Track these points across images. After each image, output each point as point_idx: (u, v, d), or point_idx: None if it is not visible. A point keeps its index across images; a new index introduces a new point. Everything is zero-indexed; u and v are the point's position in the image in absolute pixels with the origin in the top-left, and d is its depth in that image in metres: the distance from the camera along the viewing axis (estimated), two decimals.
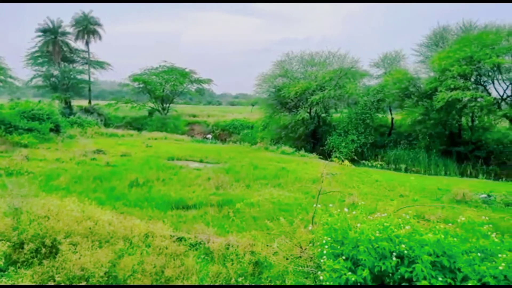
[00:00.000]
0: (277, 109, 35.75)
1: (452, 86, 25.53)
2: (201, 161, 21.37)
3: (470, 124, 29.48)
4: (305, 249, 6.70)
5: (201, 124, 48.95)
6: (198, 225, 9.25)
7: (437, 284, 4.81)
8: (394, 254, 5.22)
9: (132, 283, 6.63)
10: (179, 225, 9.67)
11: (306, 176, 17.16)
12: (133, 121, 47.63)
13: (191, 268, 7.05)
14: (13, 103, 33.48)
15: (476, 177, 23.64)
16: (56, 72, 49.18)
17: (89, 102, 50.99)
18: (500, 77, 26.93)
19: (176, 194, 12.93)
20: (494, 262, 4.96)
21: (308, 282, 6.06)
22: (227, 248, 7.82)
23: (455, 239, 5.36)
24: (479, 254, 5.15)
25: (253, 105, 51.59)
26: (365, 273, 5.03)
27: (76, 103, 50.92)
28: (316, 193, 8.16)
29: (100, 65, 52.31)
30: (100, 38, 49.62)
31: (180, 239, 8.39)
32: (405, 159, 28.04)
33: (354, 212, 6.17)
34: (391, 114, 34.62)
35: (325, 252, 5.53)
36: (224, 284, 6.78)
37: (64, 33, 49.07)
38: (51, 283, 6.38)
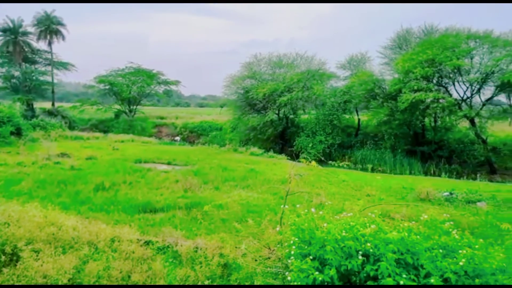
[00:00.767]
0: (245, 110, 35.79)
1: (415, 87, 26.25)
2: (169, 164, 21.13)
3: (433, 124, 30.41)
4: (274, 250, 6.72)
5: (169, 126, 48.43)
6: (166, 228, 9.13)
7: (401, 280, 4.91)
8: (360, 252, 5.29)
9: None
10: (147, 228, 9.51)
11: (274, 177, 17.24)
12: (99, 123, 46.61)
13: (158, 272, 6.95)
14: None
15: (439, 175, 24.40)
16: (17, 73, 47.43)
17: (53, 104, 49.47)
18: (460, 78, 27.88)
19: (144, 197, 12.73)
20: (455, 258, 5.11)
21: (277, 282, 6.07)
22: (196, 251, 7.75)
23: (418, 236, 5.49)
24: (440, 250, 5.28)
25: (221, 107, 51.40)
26: (332, 272, 5.08)
27: (39, 105, 49.30)
28: (284, 194, 8.20)
29: (64, 66, 50.90)
30: (63, 38, 48.28)
31: (147, 243, 8.25)
32: (371, 159, 28.64)
33: (321, 212, 6.22)
34: (358, 115, 35.27)
35: (292, 252, 5.55)
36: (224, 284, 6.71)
37: (25, 33, 47.41)
38: None
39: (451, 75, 28.05)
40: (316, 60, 35.81)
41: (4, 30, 46.12)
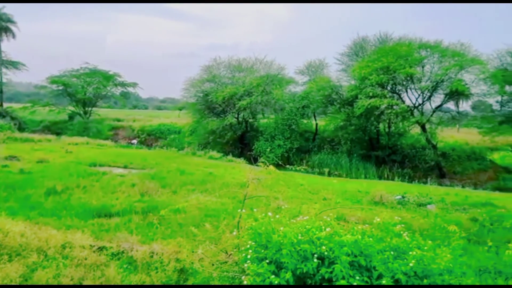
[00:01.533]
0: (205, 114, 35.59)
1: (371, 94, 27.06)
2: (125, 167, 20.65)
3: (387, 130, 31.44)
4: (231, 254, 6.71)
5: (126, 129, 47.35)
6: (121, 234, 8.92)
7: (354, 282, 5.03)
8: (316, 255, 5.38)
9: None
10: (101, 234, 9.24)
11: (233, 181, 17.23)
12: (51, 125, 44.90)
13: (112, 279, 6.77)
14: None
15: (393, 179, 25.24)
16: None
17: (1, 105, 47.20)
18: (412, 86, 29.02)
19: (98, 202, 12.36)
20: (405, 260, 5.29)
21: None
22: (151, 256, 7.61)
23: (371, 239, 5.65)
24: (392, 252, 5.45)
25: (180, 110, 50.84)
26: (288, 275, 5.13)
27: None
28: (242, 198, 8.21)
29: (14, 65, 48.68)
30: (13, 36, 46.27)
31: (101, 248, 8.02)
32: (328, 163, 29.20)
33: (278, 216, 6.29)
34: (316, 120, 35.87)
35: (249, 256, 5.57)
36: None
37: None
38: None
39: (404, 83, 29.12)
40: (275, 65, 36.22)
41: None
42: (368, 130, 30.30)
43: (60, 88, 44.50)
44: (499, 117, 28.58)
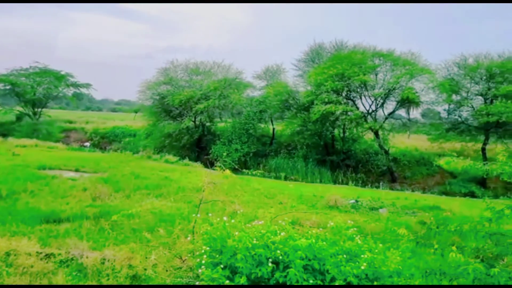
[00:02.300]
0: (161, 117, 35.03)
1: (326, 100, 27.60)
2: (77, 170, 19.94)
3: (341, 135, 32.18)
4: (185, 259, 6.63)
5: (79, 131, 45.77)
6: (71, 240, 8.58)
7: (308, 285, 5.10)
8: (270, 260, 5.42)
9: None
10: (49, 240, 8.85)
11: (189, 185, 17.04)
12: None
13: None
14: None
15: (347, 184, 25.84)
16: None
17: None
18: (366, 93, 29.87)
19: (47, 207, 11.84)
20: (357, 262, 5.43)
21: None
22: (103, 263, 7.38)
23: (324, 243, 5.75)
24: (344, 255, 5.58)
25: (136, 112, 49.77)
26: (243, 280, 5.13)
27: None
28: (198, 203, 8.14)
29: None
30: None
31: (48, 256, 7.69)
32: (284, 168, 29.47)
33: (233, 221, 6.28)
34: (273, 124, 36.13)
35: (203, 262, 5.53)
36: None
37: None
38: None
39: (358, 90, 29.91)
40: (233, 69, 36.21)
41: None
42: (323, 135, 30.87)
43: (7, 87, 42.38)
44: (446, 125, 29.96)
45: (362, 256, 5.56)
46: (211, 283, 5.11)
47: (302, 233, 6.25)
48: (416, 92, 28.02)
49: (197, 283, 5.47)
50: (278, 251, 5.48)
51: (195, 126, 34.45)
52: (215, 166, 8.88)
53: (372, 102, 30.07)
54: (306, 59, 36.58)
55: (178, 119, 33.76)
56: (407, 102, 28.57)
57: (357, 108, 29.97)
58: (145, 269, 6.85)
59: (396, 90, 28.58)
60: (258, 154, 32.35)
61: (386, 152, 29.20)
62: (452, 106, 29.45)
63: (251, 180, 20.55)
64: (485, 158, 26.29)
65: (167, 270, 6.56)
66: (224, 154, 29.45)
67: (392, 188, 25.62)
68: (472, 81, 28.03)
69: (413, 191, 24.19)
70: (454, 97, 28.40)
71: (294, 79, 36.64)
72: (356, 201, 15.94)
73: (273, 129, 35.98)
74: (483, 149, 27.35)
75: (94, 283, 6.74)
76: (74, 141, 42.60)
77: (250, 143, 31.66)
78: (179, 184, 17.34)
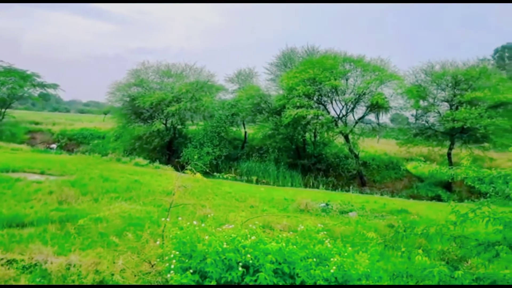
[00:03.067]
0: (131, 119, 34.50)
1: (298, 104, 27.85)
2: (42, 173, 19.34)
3: (313, 139, 32.51)
4: (154, 264, 6.50)
5: (45, 133, 44.44)
6: (35, 245, 8.29)
7: None
8: (240, 264, 5.38)
9: None
10: (11, 245, 8.52)
11: (159, 188, 16.80)
12: None
13: None
14: None
15: (318, 187, 26.10)
16: None
17: None
18: (337, 98, 30.31)
19: (10, 211, 11.40)
20: (327, 266, 5.46)
21: None
22: (68, 269, 7.16)
23: (295, 246, 5.76)
24: (314, 259, 5.60)
25: (105, 114, 48.84)
26: (212, 284, 5.08)
27: None
28: (168, 206, 8.03)
29: None
30: None
31: (10, 261, 7.39)
32: (256, 171, 29.52)
33: (203, 225, 6.21)
34: (245, 128, 36.14)
35: (173, 266, 5.44)
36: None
37: None
38: None
39: (329, 94, 30.33)
40: (205, 71, 36.06)
41: None
42: (295, 139, 31.10)
43: None
44: (414, 130, 30.74)
45: (331, 259, 5.59)
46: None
47: (273, 237, 6.24)
48: (385, 98, 28.64)
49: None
50: (249, 255, 5.45)
51: (166, 128, 34.09)
52: (186, 169, 8.77)
53: (343, 106, 30.54)
54: (278, 63, 36.83)
55: (149, 121, 33.34)
56: (376, 107, 29.16)
57: (328, 113, 30.35)
58: (112, 274, 6.68)
59: (366, 95, 29.12)
60: (229, 157, 32.29)
61: (356, 156, 29.66)
62: (419, 111, 30.26)
63: (222, 183, 20.46)
64: (450, 163, 27.06)
65: (135, 275, 6.42)
66: (195, 157, 29.23)
67: (362, 191, 26.03)
68: (439, 87, 28.88)
69: (382, 194, 24.65)
70: (421, 103, 29.20)
71: (266, 83, 36.86)
72: (327, 204, 16.09)
73: (245, 132, 36.00)
74: (449, 154, 28.17)
75: None
76: (40, 143, 41.33)
77: (221, 146, 31.57)
78: (149, 187, 17.09)
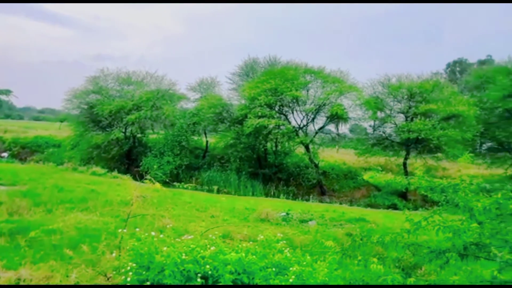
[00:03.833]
0: (89, 127, 33.57)
1: (259, 113, 28.04)
2: None
3: (274, 149, 32.76)
4: (110, 277, 6.32)
5: None
6: None
7: None
8: (199, 275, 5.32)
9: None
10: None
11: (117, 198, 16.38)
12: None
13: None
14: None
15: (278, 197, 26.25)
16: None
17: None
18: (298, 108, 30.75)
19: None
20: (286, 275, 5.48)
21: None
22: (18, 283, 6.84)
23: (254, 256, 5.76)
24: (274, 269, 5.61)
25: (61, 122, 47.24)
26: None
27: None
28: (126, 217, 7.84)
29: None
30: None
31: None
32: (217, 181, 29.38)
33: (162, 235, 6.11)
34: (206, 137, 35.97)
35: (129, 279, 5.30)
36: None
37: None
38: None
39: (290, 104, 30.73)
40: (166, 80, 35.63)
41: None
42: (256, 148, 31.23)
43: None
44: (372, 140, 31.58)
45: (290, 268, 5.62)
46: None
47: (233, 247, 6.22)
48: (345, 109, 29.31)
49: None
50: (208, 266, 5.40)
51: (126, 137, 33.40)
52: (145, 179, 8.60)
53: (304, 117, 31.00)
54: (240, 73, 37.05)
55: (108, 129, 32.60)
56: (336, 117, 29.78)
57: (289, 123, 30.72)
58: None
59: (326, 106, 29.69)
60: (190, 167, 32.00)
61: (316, 166, 30.10)
62: (377, 122, 31.15)
63: (182, 193, 20.20)
64: (406, 172, 27.96)
65: None
66: (155, 166, 28.77)
67: (322, 200, 26.42)
68: (395, 99, 29.84)
69: (341, 203, 25.08)
70: (378, 114, 30.07)
71: (228, 92, 36.95)
72: (287, 213, 16.20)
73: (207, 141, 35.81)
74: (405, 164, 29.09)
75: None
76: None
77: (182, 156, 31.25)
78: (106, 197, 16.63)
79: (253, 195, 26.77)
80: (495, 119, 29.49)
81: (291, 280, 5.34)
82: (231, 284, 5.22)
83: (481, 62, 61.57)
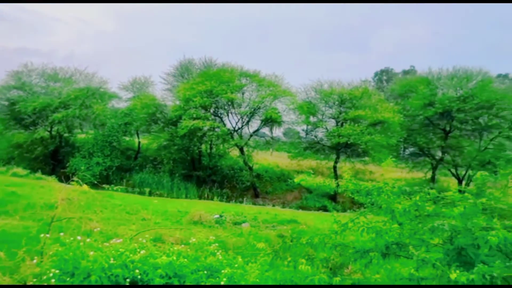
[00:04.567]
0: (10, 125, 31.38)
1: (194, 115, 27.81)
2: None
3: (208, 151, 32.62)
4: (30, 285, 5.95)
5: None
6: None
7: None
8: (128, 280, 5.19)
9: None
10: None
11: (41, 201, 15.40)
12: None
13: None
14: None
15: (212, 199, 26.15)
16: None
17: None
18: (233, 111, 30.89)
19: None
20: (217, 278, 5.49)
21: None
22: None
23: (186, 259, 5.71)
24: (205, 271, 5.60)
25: None
26: None
27: None
28: (50, 221, 7.43)
29: None
30: None
31: None
32: (150, 183, 28.70)
33: (89, 240, 5.86)
34: (139, 138, 34.98)
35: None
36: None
37: None
38: None
39: (226, 107, 30.80)
40: (97, 78, 34.11)
41: None
42: (190, 150, 30.92)
43: None
44: (304, 144, 32.51)
45: (222, 271, 5.64)
46: None
47: (164, 250, 6.12)
48: (279, 112, 29.90)
49: None
50: (137, 270, 5.27)
51: (51, 136, 31.60)
52: (72, 181, 8.22)
53: (239, 119, 31.19)
54: (175, 73, 36.46)
55: (31, 128, 30.69)
56: (270, 121, 30.30)
57: (224, 125, 30.76)
58: None
59: (261, 110, 30.10)
60: (122, 168, 30.96)
61: (250, 168, 30.39)
62: (309, 127, 32.11)
63: (113, 195, 19.51)
64: (336, 175, 29.08)
65: None
66: (83, 167, 27.50)
67: (255, 203, 26.69)
68: (327, 105, 30.94)
69: (274, 205, 25.52)
70: (311, 118, 31.00)
71: (162, 92, 36.21)
72: (220, 216, 16.19)
73: (139, 142, 34.81)
74: (335, 167, 30.23)
75: None
76: None
77: (113, 157, 30.14)
78: (28, 200, 15.63)
79: (186, 197, 26.44)
80: (417, 126, 31.53)
81: (222, 283, 5.35)
82: None
83: (405, 72, 65.73)
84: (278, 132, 34.70)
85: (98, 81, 33.93)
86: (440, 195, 4.77)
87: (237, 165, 32.38)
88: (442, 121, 30.31)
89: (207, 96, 28.57)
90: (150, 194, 26.16)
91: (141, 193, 26.03)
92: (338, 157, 30.28)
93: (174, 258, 5.61)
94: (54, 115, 28.96)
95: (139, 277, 5.23)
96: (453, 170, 30.29)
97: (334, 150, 30.51)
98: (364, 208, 5.66)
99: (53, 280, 5.07)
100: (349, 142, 27.71)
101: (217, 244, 6.55)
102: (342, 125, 29.49)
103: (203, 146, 31.62)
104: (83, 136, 34.35)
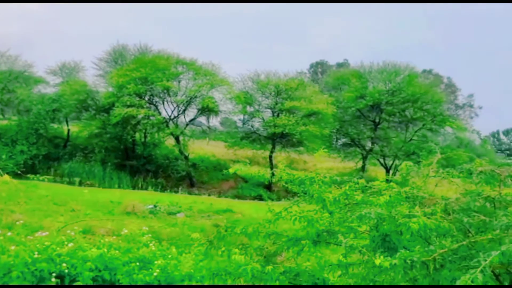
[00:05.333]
0: None
1: (128, 103, 26.92)
2: None
3: (143, 140, 31.81)
4: None
5: None
6: None
7: None
8: (54, 274, 4.95)
9: None
10: None
11: None
12: None
13: None
14: None
15: (146, 189, 25.63)
16: None
17: None
18: (169, 99, 30.30)
19: None
20: (150, 269, 5.40)
21: None
22: None
23: (117, 251, 5.56)
24: (138, 263, 5.49)
25: None
26: None
27: None
28: None
29: None
30: None
31: None
32: (80, 172, 27.49)
33: (10, 233, 5.52)
34: (68, 125, 33.24)
35: None
36: None
37: None
38: None
39: (161, 95, 30.13)
40: (21, 60, 31.92)
41: None
42: (124, 139, 29.96)
43: None
44: (241, 133, 32.66)
45: (155, 262, 5.56)
46: None
47: (94, 243, 5.91)
48: (216, 102, 29.77)
49: None
50: (64, 264, 5.05)
51: None
52: None
53: (175, 108, 30.65)
54: (108, 59, 34.95)
55: None
56: (207, 110, 30.10)
57: (160, 113, 30.12)
58: None
59: (197, 98, 29.78)
60: (49, 157, 29.33)
61: (186, 158, 30.06)
62: (246, 116, 32.29)
63: (38, 185, 18.48)
64: (271, 165, 29.56)
65: None
66: (4, 156, 25.72)
67: (191, 192, 26.49)
68: (263, 95, 31.27)
69: (209, 195, 25.50)
70: (248, 108, 31.18)
71: (94, 78, 34.53)
72: (155, 206, 15.93)
73: (68, 130, 33.05)
74: (270, 157, 30.72)
75: None
76: None
77: (39, 145, 28.47)
78: None
79: (119, 187, 25.65)
80: (349, 117, 32.81)
81: (155, 274, 5.28)
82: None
83: (339, 65, 67.92)
84: (215, 121, 34.60)
85: (22, 64, 31.79)
86: (368, 185, 5.00)
87: (172, 154, 31.88)
88: (372, 113, 31.81)
89: (141, 83, 27.77)
90: (80, 184, 25.08)
91: (71, 183, 24.90)
92: (273, 147, 30.76)
93: (105, 250, 5.45)
94: None
95: (66, 271, 5.02)
96: (382, 160, 31.97)
97: (270, 140, 30.94)
98: (298, 197, 5.80)
99: None
100: (284, 132, 28.25)
101: (150, 235, 6.44)
102: (278, 115, 29.94)
103: (137, 135, 30.78)
104: (5, 122, 32.06)
